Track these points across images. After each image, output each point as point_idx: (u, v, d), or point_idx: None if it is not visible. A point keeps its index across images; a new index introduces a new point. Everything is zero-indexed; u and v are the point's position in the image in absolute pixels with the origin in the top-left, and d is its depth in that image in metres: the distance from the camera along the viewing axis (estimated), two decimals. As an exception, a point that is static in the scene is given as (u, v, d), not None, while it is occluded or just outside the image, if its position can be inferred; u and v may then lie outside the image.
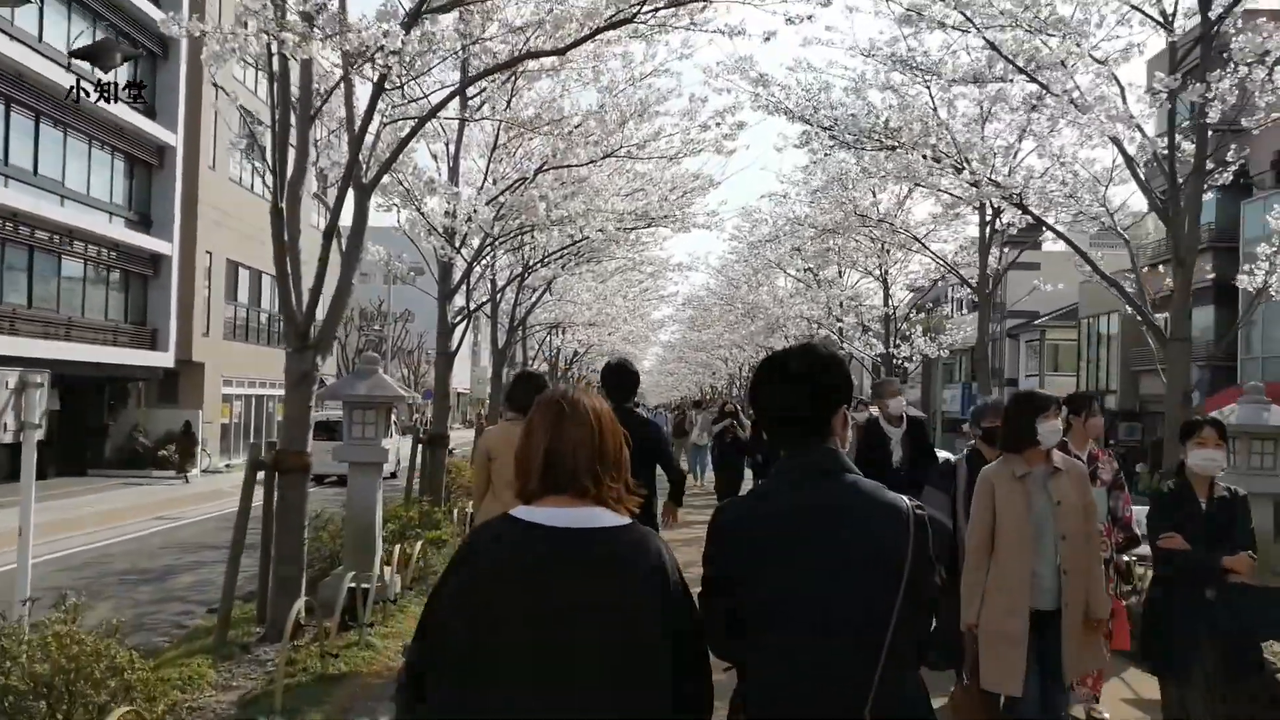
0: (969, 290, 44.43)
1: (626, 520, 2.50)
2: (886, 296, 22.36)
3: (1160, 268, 14.86)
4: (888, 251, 21.21)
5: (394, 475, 22.35)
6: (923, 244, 17.81)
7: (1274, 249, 10.93)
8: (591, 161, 12.21)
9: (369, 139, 8.56)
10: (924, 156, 10.88)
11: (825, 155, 13.32)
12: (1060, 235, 12.14)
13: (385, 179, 11.32)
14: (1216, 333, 35.90)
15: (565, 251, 16.43)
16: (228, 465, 33.78)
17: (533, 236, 14.76)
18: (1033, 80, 9.94)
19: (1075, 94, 9.93)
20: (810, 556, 2.58)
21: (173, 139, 33.89)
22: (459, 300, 13.97)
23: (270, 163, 6.83)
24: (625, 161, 13.78)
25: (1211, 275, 31.38)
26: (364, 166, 7.68)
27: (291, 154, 7.28)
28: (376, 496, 8.41)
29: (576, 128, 11.08)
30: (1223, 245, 35.00)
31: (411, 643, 2.68)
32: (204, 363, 36.59)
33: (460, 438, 51.35)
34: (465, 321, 13.42)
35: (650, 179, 15.15)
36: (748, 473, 19.18)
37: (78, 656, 4.25)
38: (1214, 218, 35.35)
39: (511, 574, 2.40)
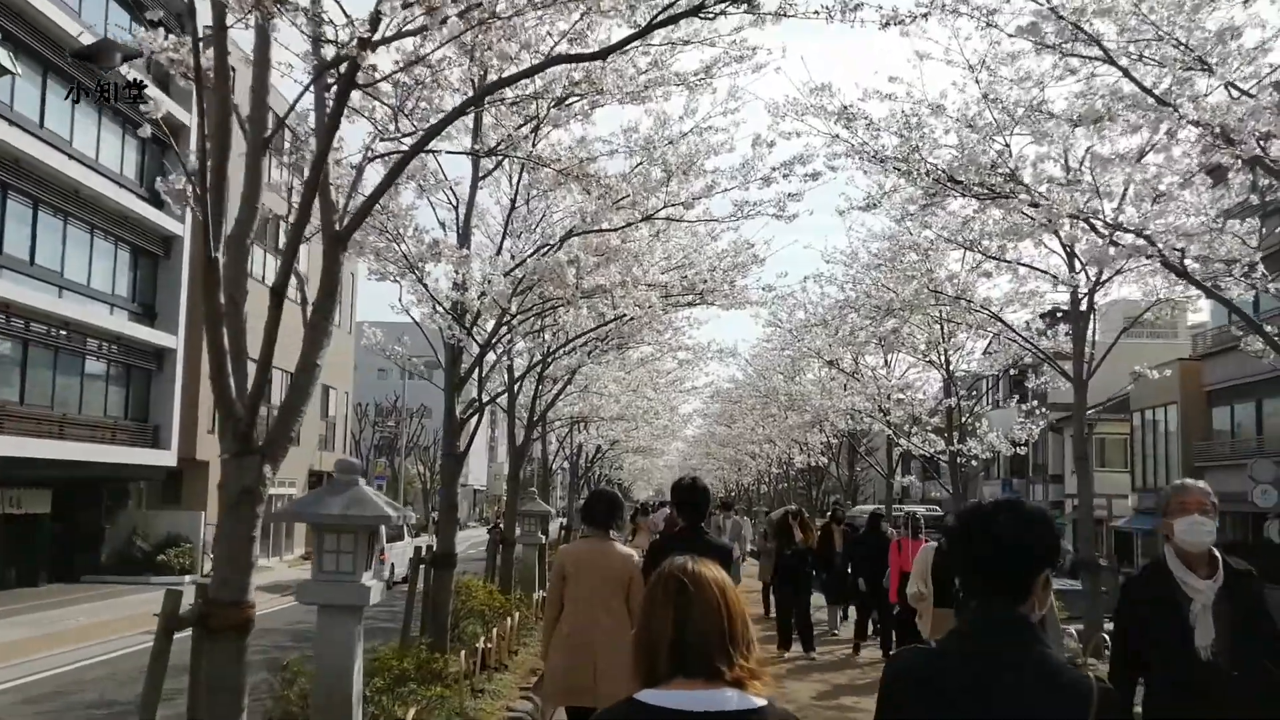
0: (1009, 378, 42.43)
1: (761, 702, 2.38)
2: (949, 386, 20.22)
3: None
4: (951, 336, 19.22)
5: (399, 582, 20.22)
6: (1007, 324, 15.71)
7: None
8: (629, 225, 10.23)
9: (347, 178, 6.65)
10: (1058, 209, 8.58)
11: (923, 207, 11.17)
12: (1235, 309, 9.85)
13: (380, 241, 9.48)
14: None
15: (594, 334, 14.41)
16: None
17: (556, 317, 12.79)
18: (1197, 125, 7.86)
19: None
20: None
21: (180, 228, 32.60)
22: (471, 392, 11.94)
23: (198, 191, 4.86)
24: (666, 229, 11.90)
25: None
26: (338, 209, 5.75)
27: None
28: (354, 651, 6.29)
29: (609, 189, 9.12)
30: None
31: None
32: (209, 462, 34.82)
33: (473, 537, 49.28)
34: (477, 416, 11.33)
35: (696, 249, 13.24)
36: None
37: None
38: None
39: None
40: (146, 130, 5.35)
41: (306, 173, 5.63)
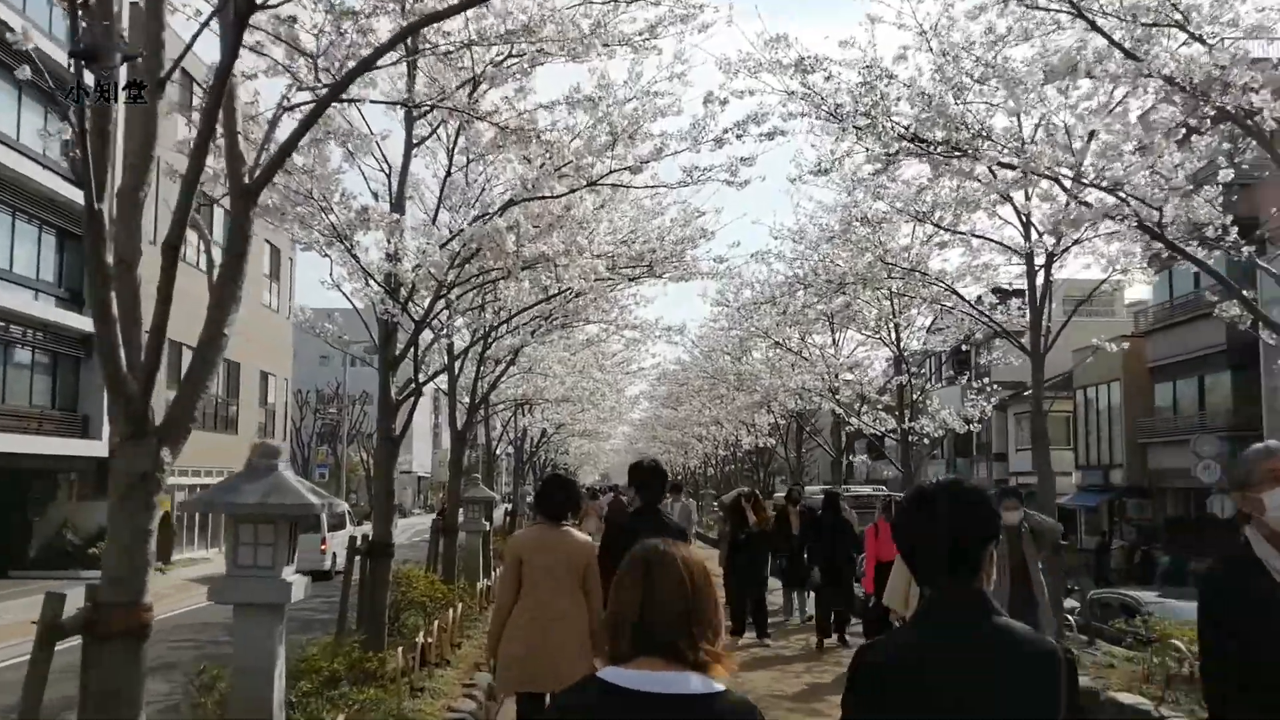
0: (953, 357, 42.40)
1: (720, 686, 2.39)
2: (900, 362, 19.82)
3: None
4: (902, 311, 18.81)
5: (340, 572, 19.39)
6: (962, 297, 15.33)
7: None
8: (572, 191, 9.61)
9: (262, 134, 6.01)
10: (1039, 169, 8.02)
11: (879, 171, 10.60)
12: (1212, 272, 9.36)
13: (305, 208, 8.83)
14: (1235, 400, 33.83)
15: (537, 309, 13.75)
16: (160, 567, 30.67)
17: (496, 292, 12.13)
18: (1170, 82, 7.41)
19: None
20: (963, 708, 2.49)
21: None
22: (409, 372, 11.25)
23: (74, 126, 4.22)
24: (612, 198, 11.31)
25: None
26: (247, 161, 5.11)
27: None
28: (275, 653, 5.68)
29: (551, 147, 8.49)
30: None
31: None
32: (141, 452, 33.72)
33: (418, 525, 48.30)
34: (413, 398, 10.66)
35: (643, 221, 12.65)
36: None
37: None
38: (1224, 274, 33.32)
39: None
40: (26, 73, 4.68)
41: (205, 101, 4.98)
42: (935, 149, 8.67)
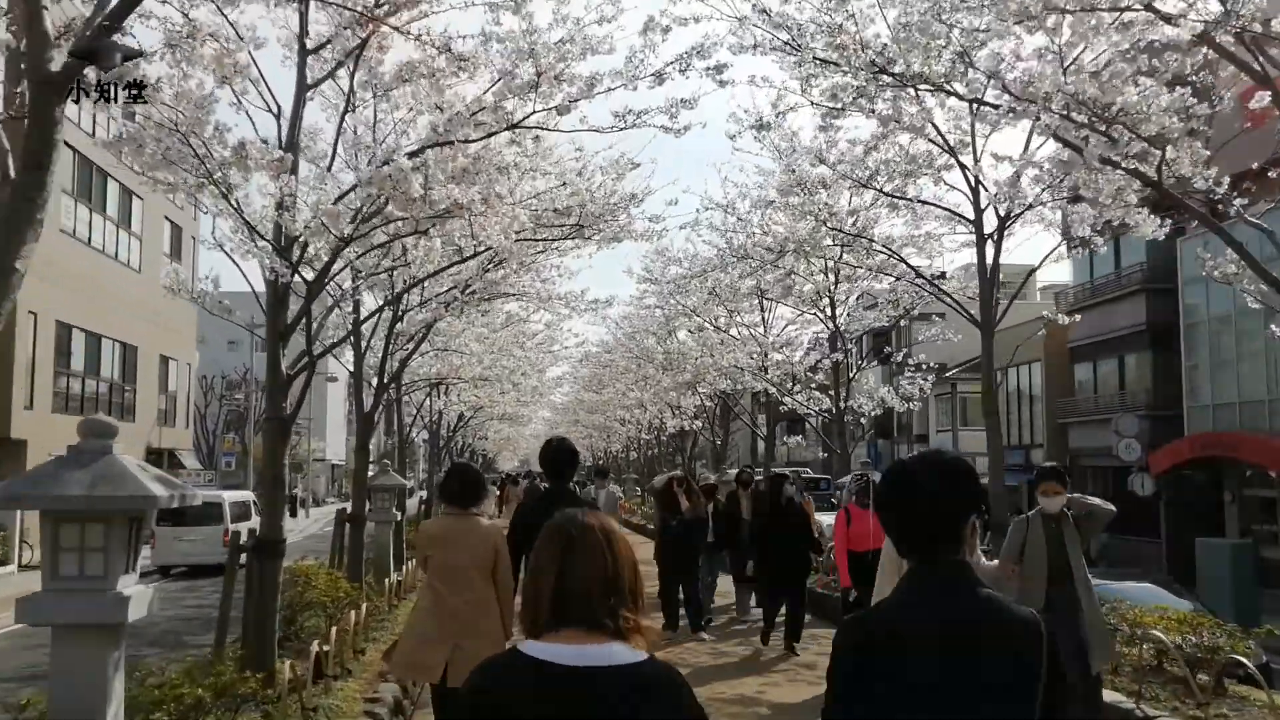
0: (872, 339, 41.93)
1: (643, 655, 2.35)
2: (836, 339, 18.86)
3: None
4: (838, 284, 17.88)
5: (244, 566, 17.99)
6: (910, 265, 14.39)
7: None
8: (490, 135, 8.36)
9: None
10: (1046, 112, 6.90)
11: (827, 114, 9.40)
12: (1217, 229, 8.31)
13: (168, 139, 7.49)
14: (1155, 379, 33.76)
15: (451, 277, 12.48)
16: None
17: (405, 255, 10.89)
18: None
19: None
20: (950, 679, 2.49)
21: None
22: (304, 344, 9.90)
23: None
24: (536, 153, 10.14)
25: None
26: (53, 41, 3.89)
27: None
28: (110, 687, 4.41)
29: (464, 62, 7.33)
30: (1157, 286, 32.81)
31: None
32: (26, 440, 31.64)
33: (332, 514, 46.48)
34: (307, 371, 9.24)
35: (569, 177, 11.45)
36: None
37: None
38: (1145, 257, 33.24)
39: (525, 716, 2.26)
40: None
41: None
42: (908, 82, 7.58)
